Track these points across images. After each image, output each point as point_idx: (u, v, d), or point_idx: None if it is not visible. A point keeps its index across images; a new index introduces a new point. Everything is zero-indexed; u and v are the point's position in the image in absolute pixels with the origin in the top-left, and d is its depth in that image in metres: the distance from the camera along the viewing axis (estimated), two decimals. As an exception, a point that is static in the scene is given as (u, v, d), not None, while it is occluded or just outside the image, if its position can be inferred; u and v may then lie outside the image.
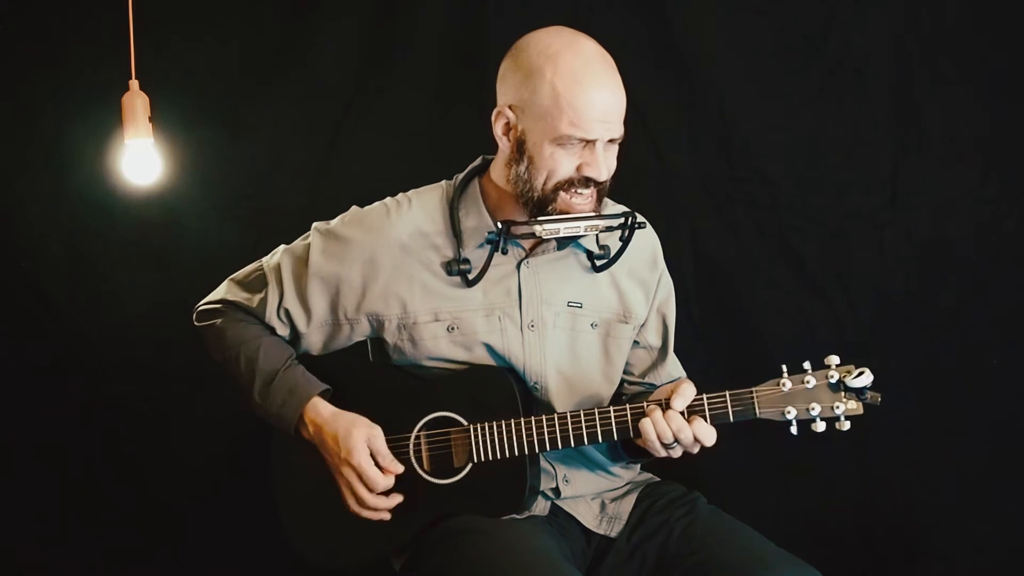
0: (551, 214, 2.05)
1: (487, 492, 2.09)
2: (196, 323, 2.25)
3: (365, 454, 2.08)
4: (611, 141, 2.04)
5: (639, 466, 2.29)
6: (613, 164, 2.06)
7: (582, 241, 2.16)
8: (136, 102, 2.39)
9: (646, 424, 1.98)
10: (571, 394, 2.17)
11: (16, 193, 3.01)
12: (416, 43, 2.96)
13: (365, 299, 2.14)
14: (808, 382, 1.96)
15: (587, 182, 2.03)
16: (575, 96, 1.97)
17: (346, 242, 2.15)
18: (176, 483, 3.08)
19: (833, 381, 1.96)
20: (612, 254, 2.15)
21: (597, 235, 2.13)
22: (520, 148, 2.04)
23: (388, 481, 2.09)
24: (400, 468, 2.10)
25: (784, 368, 1.98)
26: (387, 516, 2.11)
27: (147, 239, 3.02)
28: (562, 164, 2.02)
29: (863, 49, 2.88)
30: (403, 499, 2.11)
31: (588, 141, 2.00)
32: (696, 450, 2.01)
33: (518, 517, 2.12)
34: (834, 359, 1.96)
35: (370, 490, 2.09)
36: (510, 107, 2.05)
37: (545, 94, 1.99)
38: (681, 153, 2.95)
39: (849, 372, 1.94)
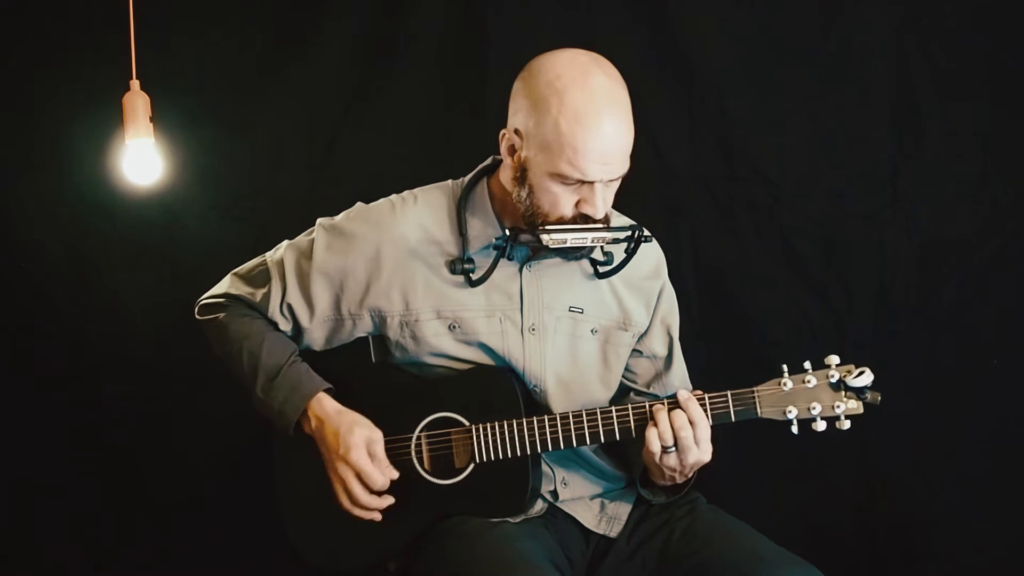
0: None
1: (488, 493, 2.09)
2: (198, 317, 2.25)
3: (363, 452, 2.08)
4: (612, 180, 2.02)
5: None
6: (612, 198, 2.05)
7: None
8: (137, 102, 2.38)
9: (651, 431, 1.99)
10: (569, 398, 2.16)
11: (16, 193, 3.01)
12: (416, 43, 2.95)
13: (368, 294, 2.14)
14: (809, 382, 1.97)
15: (586, 219, 2.03)
16: (575, 137, 1.95)
17: (350, 237, 2.14)
18: (176, 483, 3.07)
19: (834, 381, 1.96)
20: (615, 262, 2.15)
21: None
22: (523, 174, 2.03)
23: (385, 481, 2.09)
24: (395, 474, 2.10)
25: (785, 368, 1.98)
26: (378, 517, 2.11)
27: (147, 239, 3.01)
28: (561, 199, 2.01)
29: (863, 49, 2.88)
30: (404, 500, 2.11)
31: (586, 181, 1.99)
32: (691, 458, 2.00)
33: (512, 520, 2.12)
34: (834, 359, 1.96)
35: (366, 488, 2.09)
36: (516, 131, 2.03)
37: (548, 129, 1.96)
38: (681, 153, 2.95)
39: (850, 372, 1.95)
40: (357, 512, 2.11)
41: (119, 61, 2.39)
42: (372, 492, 2.10)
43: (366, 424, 2.10)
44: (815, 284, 2.95)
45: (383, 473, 2.09)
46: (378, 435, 2.10)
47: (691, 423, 1.98)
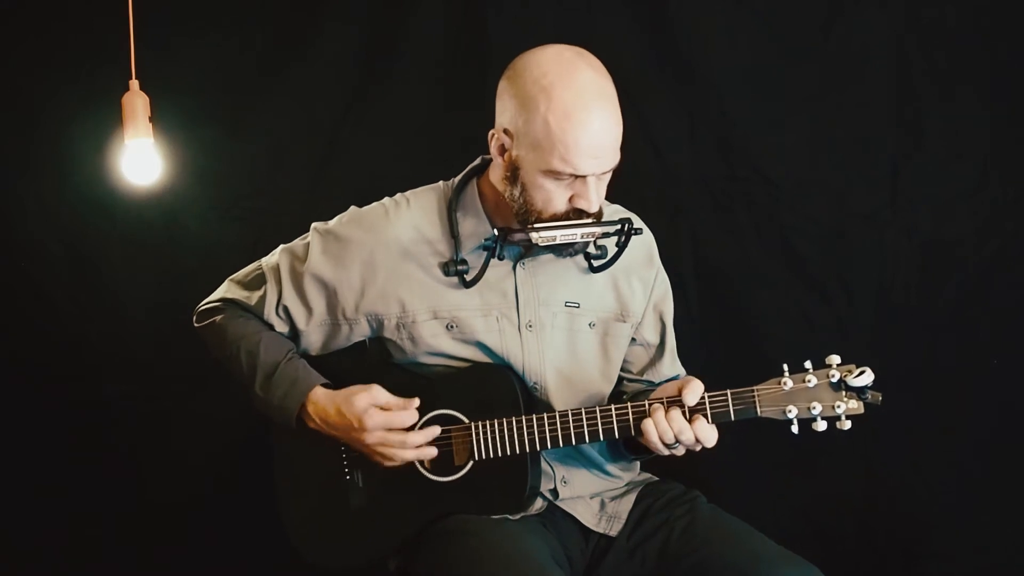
0: None
1: (488, 491, 2.09)
2: (196, 324, 2.25)
3: (373, 411, 2.07)
4: (604, 173, 2.03)
5: (638, 465, 2.30)
6: (604, 191, 2.06)
7: None
8: (136, 102, 2.39)
9: (648, 424, 1.99)
10: (570, 394, 2.17)
11: (16, 193, 3.01)
12: (416, 43, 2.95)
13: (364, 299, 2.15)
14: (809, 381, 1.96)
15: (580, 214, 2.03)
16: (566, 133, 1.95)
17: (345, 242, 2.15)
18: (176, 483, 3.07)
19: (834, 380, 1.96)
20: (608, 255, 2.15)
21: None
22: (514, 172, 2.04)
23: (413, 415, 2.09)
24: (416, 401, 2.10)
25: (785, 367, 1.98)
26: (435, 451, 2.10)
27: (147, 239, 3.01)
28: (554, 195, 2.02)
29: (863, 49, 2.88)
30: (403, 497, 2.12)
31: (579, 176, 2.00)
32: (698, 448, 2.01)
33: (511, 517, 2.13)
34: (835, 358, 1.96)
35: (401, 431, 2.09)
36: (505, 131, 2.04)
37: (538, 127, 1.97)
38: (681, 153, 2.95)
39: (850, 371, 1.95)
40: (412, 455, 2.09)
41: (119, 61, 2.39)
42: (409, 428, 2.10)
43: (359, 388, 2.10)
44: (815, 284, 2.95)
45: (404, 409, 2.09)
46: (375, 388, 2.10)
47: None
